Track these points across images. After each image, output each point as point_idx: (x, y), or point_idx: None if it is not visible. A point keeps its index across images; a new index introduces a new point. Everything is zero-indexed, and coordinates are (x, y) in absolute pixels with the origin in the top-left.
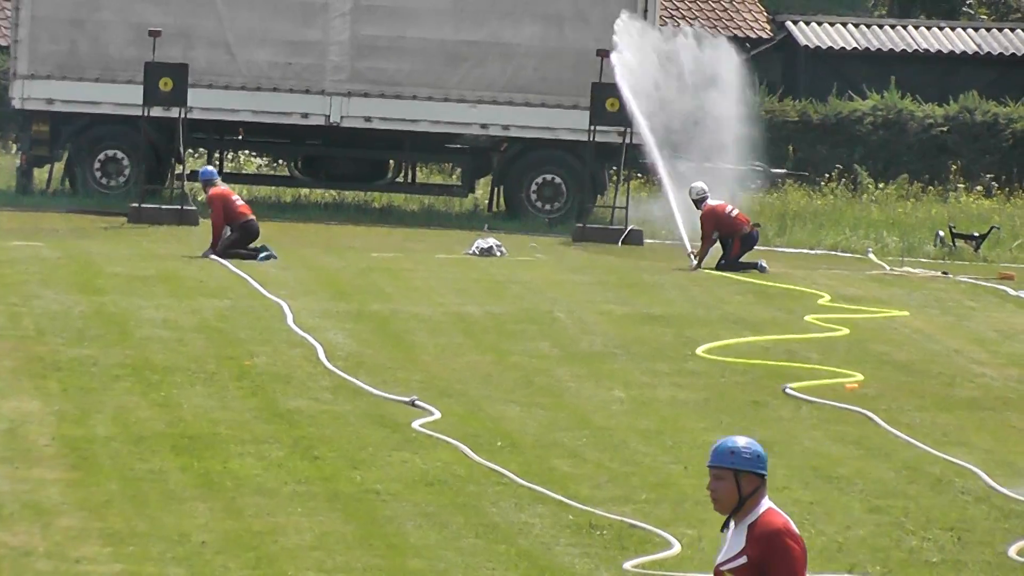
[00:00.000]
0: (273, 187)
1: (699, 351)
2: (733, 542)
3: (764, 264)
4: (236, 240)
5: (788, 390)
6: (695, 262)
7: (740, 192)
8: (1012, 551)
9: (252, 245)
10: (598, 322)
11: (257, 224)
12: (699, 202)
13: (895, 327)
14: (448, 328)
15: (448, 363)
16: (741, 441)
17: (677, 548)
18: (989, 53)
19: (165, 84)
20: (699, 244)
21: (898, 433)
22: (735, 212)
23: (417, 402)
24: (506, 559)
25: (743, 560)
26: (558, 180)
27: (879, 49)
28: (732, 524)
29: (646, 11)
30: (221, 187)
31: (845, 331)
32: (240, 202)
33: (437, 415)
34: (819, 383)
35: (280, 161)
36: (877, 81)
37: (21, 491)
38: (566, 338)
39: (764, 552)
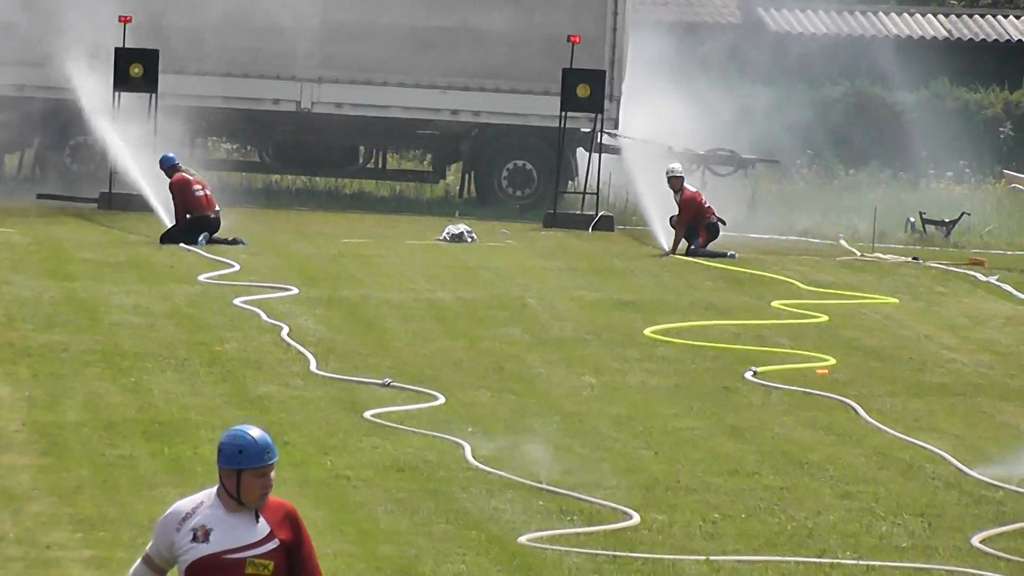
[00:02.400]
0: (244, 173)
1: (646, 332)
2: (245, 530)
3: (734, 254)
4: (182, 228)
5: (749, 376)
6: (667, 248)
7: (711, 177)
8: (976, 540)
9: (219, 236)
10: (569, 308)
11: (216, 219)
12: (676, 179)
13: (866, 313)
14: (419, 314)
15: (419, 349)
16: (258, 432)
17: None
18: (959, 39)
19: (136, 70)
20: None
21: (869, 419)
22: (707, 203)
23: (393, 384)
24: (477, 545)
25: (275, 544)
26: (529, 166)
27: (849, 35)
28: (224, 510)
29: None
30: (183, 174)
31: (824, 317)
32: (200, 193)
33: (441, 399)
34: (789, 367)
35: (249, 147)
36: (847, 67)
37: None
38: (537, 324)
39: (292, 532)
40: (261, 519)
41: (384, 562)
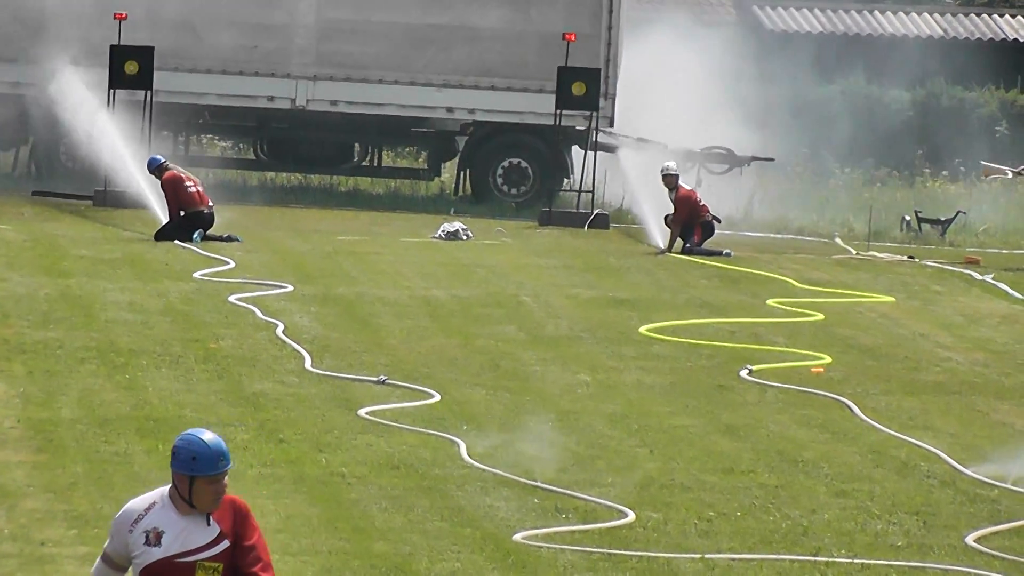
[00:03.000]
0: (238, 170)
1: (642, 330)
2: (196, 533)
3: (730, 252)
4: (177, 225)
5: (744, 374)
6: (663, 247)
7: (706, 175)
8: (970, 539)
9: (214, 233)
10: (564, 306)
11: (210, 214)
12: (671, 177)
13: (861, 311)
14: (414, 312)
15: (414, 346)
16: (212, 437)
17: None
18: (955, 38)
19: (131, 67)
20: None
21: (864, 417)
22: (702, 201)
23: (388, 381)
24: (471, 542)
25: (225, 545)
26: (524, 164)
27: (845, 33)
28: (176, 512)
29: None
30: (174, 171)
31: (819, 316)
32: (193, 189)
33: (436, 397)
34: (785, 366)
35: (244, 144)
36: (843, 66)
37: None
38: (532, 322)
39: (241, 531)
40: (212, 521)
41: (379, 559)
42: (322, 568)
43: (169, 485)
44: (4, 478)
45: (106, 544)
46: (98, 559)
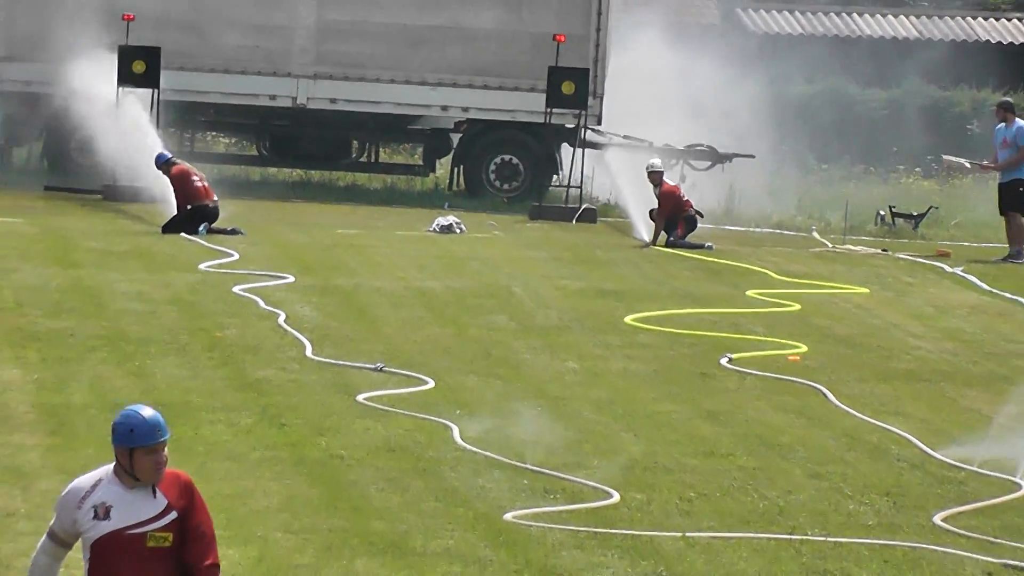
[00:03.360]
0: (242, 166)
1: (627, 319)
2: (143, 505)
3: (712, 246)
4: (184, 218)
5: (725, 362)
6: (648, 240)
7: (690, 172)
8: (938, 518)
9: (218, 226)
10: (553, 297)
11: (215, 208)
12: (656, 174)
13: (837, 302)
14: (410, 302)
15: (410, 335)
16: (150, 411)
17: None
18: (930, 40)
19: (138, 66)
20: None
21: (839, 403)
22: (685, 197)
23: (385, 369)
24: (464, 521)
25: (173, 515)
26: (516, 160)
27: (824, 35)
28: (122, 487)
29: None
30: (182, 166)
31: (797, 306)
32: (199, 183)
33: (431, 384)
34: (763, 354)
35: (246, 141)
36: (823, 66)
37: (2, 455)
38: (523, 312)
39: (188, 503)
40: (159, 493)
41: (376, 537)
42: (322, 546)
43: (113, 463)
44: (20, 460)
45: (51, 522)
46: (43, 537)
